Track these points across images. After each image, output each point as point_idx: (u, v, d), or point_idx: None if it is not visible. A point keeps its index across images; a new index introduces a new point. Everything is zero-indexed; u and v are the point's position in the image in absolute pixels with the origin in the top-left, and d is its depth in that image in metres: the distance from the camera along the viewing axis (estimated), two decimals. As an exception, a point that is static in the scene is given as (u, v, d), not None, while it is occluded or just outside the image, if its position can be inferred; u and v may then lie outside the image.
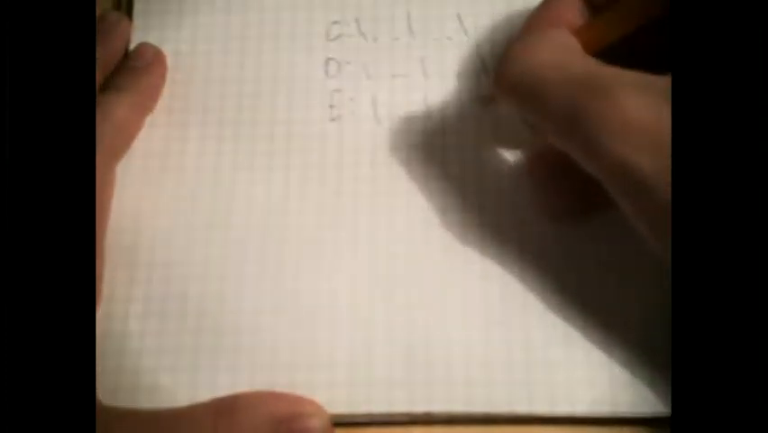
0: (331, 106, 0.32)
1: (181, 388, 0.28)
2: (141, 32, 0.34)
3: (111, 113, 0.30)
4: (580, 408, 0.27)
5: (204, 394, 0.27)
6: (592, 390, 0.27)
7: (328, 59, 0.33)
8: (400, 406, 0.27)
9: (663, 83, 0.22)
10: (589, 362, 0.27)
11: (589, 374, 0.27)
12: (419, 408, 0.27)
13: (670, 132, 0.21)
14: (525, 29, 0.28)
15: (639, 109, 0.22)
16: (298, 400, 0.27)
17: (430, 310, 0.28)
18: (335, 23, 0.34)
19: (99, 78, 0.32)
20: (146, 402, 0.27)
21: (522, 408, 0.27)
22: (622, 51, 0.26)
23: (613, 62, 0.24)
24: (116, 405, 0.27)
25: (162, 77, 0.33)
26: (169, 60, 0.33)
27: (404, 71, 0.32)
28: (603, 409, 0.27)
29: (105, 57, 0.32)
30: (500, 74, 0.25)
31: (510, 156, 0.30)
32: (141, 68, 0.32)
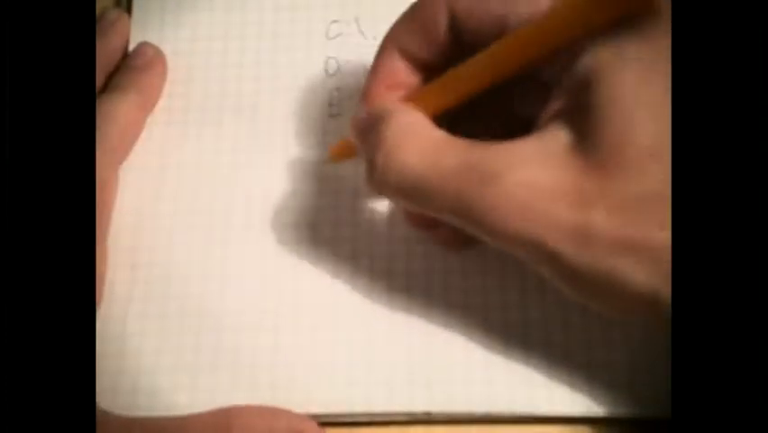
0: (330, 105, 0.32)
1: (181, 388, 0.28)
2: (141, 31, 0.34)
3: (114, 114, 0.30)
4: (580, 408, 0.27)
5: (203, 395, 0.27)
6: (592, 390, 0.27)
7: (328, 58, 0.33)
8: (400, 406, 0.27)
9: (532, 147, 0.22)
10: (588, 362, 0.27)
11: (588, 375, 0.27)
12: (419, 408, 0.27)
13: (559, 201, 0.21)
14: (364, 99, 0.27)
15: (524, 186, 0.22)
16: (297, 418, 0.27)
17: (430, 310, 0.28)
18: (335, 21, 0.34)
19: (99, 75, 0.32)
20: (145, 403, 0.27)
21: (522, 408, 0.27)
22: (474, 108, 0.26)
23: (466, 118, 0.25)
24: (115, 406, 0.27)
25: (162, 76, 0.33)
26: (169, 60, 0.33)
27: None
28: (603, 410, 0.26)
29: (104, 54, 0.32)
30: (378, 183, 0.24)
31: None
32: (141, 67, 0.32)
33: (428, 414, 0.27)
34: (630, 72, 0.22)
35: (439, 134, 0.24)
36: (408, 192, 0.24)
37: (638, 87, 0.21)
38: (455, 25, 0.25)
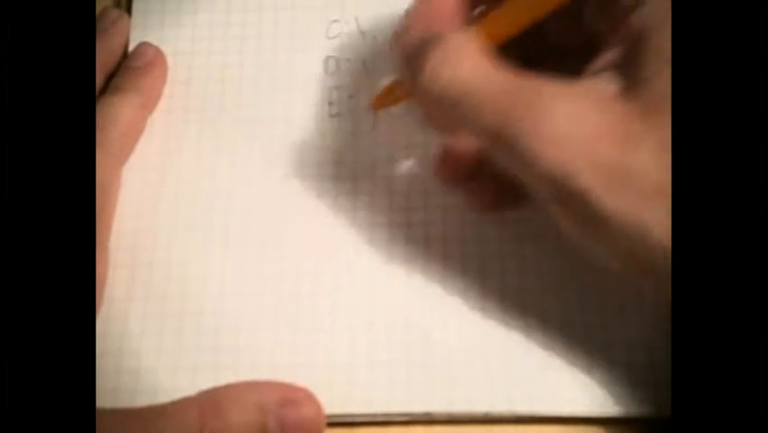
0: (330, 104, 0.32)
1: (181, 388, 0.27)
2: (141, 31, 0.34)
3: (116, 116, 0.30)
4: (581, 408, 0.27)
5: (203, 394, 0.27)
6: (592, 390, 0.27)
7: (328, 57, 0.33)
8: (400, 406, 0.27)
9: (583, 87, 0.23)
10: (589, 362, 0.27)
11: (589, 374, 0.27)
12: (419, 408, 0.27)
13: (601, 140, 0.21)
14: (403, 34, 0.26)
15: (568, 118, 0.22)
16: (287, 388, 0.26)
17: (430, 310, 0.28)
18: (335, 21, 0.34)
19: (99, 76, 0.32)
20: (146, 403, 0.27)
21: (522, 408, 0.27)
22: (531, 41, 0.26)
23: (523, 53, 0.24)
24: (116, 405, 0.27)
25: (163, 77, 0.33)
26: (169, 60, 0.33)
27: (403, 70, 0.32)
28: (603, 410, 0.26)
29: (104, 55, 0.32)
30: (424, 88, 0.24)
31: None
32: (141, 68, 0.32)
33: (428, 414, 0.27)
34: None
35: (486, 52, 0.24)
36: (453, 102, 0.24)
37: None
38: None
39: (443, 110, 0.24)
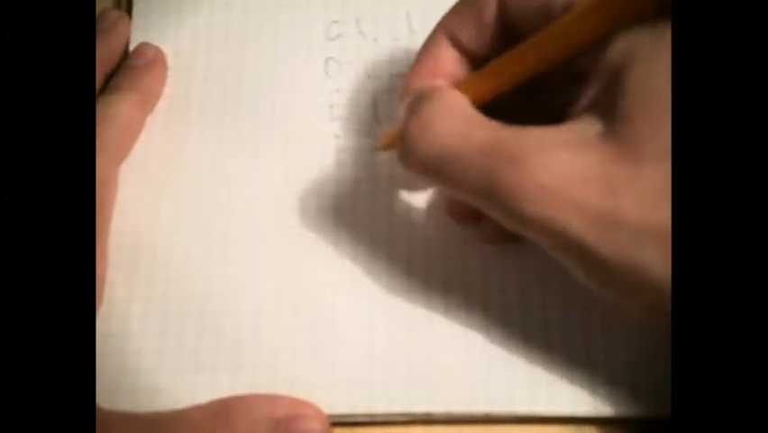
0: (330, 106, 0.32)
1: (182, 388, 0.28)
2: (142, 31, 0.34)
3: (114, 114, 0.30)
4: (581, 408, 0.27)
5: (204, 395, 0.27)
6: (592, 390, 0.27)
7: (328, 59, 0.33)
8: (400, 406, 0.27)
9: (563, 134, 0.22)
10: (588, 362, 0.27)
11: (589, 374, 0.27)
12: (419, 408, 0.27)
13: (585, 186, 0.21)
14: (408, 85, 0.27)
15: (549, 171, 0.22)
16: (297, 403, 0.27)
17: (430, 311, 0.28)
18: (335, 22, 0.34)
19: (99, 76, 0.32)
20: (147, 403, 0.27)
21: (522, 408, 0.27)
22: (514, 98, 0.25)
23: (505, 110, 0.24)
24: (116, 406, 0.27)
25: (163, 76, 0.33)
26: (169, 60, 0.33)
27: (404, 71, 0.32)
28: (603, 410, 0.26)
29: (104, 55, 0.32)
30: (405, 154, 0.24)
31: None
32: (141, 67, 0.32)
33: (428, 414, 0.27)
34: (662, 61, 0.21)
35: (474, 113, 0.24)
36: (437, 166, 0.24)
37: (669, 75, 0.21)
38: (503, 13, 0.26)
39: (429, 176, 0.24)
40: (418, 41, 0.33)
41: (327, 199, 0.31)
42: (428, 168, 0.24)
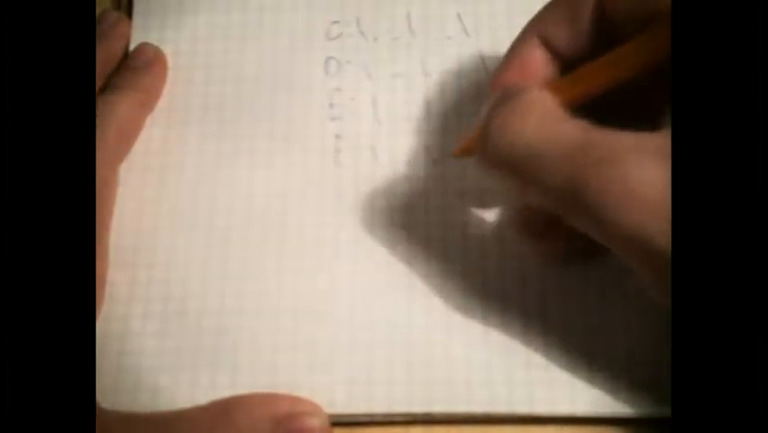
0: (331, 106, 0.32)
1: (182, 388, 0.28)
2: (142, 31, 0.34)
3: (113, 113, 0.30)
4: (581, 408, 0.27)
5: (204, 394, 0.27)
6: (592, 390, 0.27)
7: (328, 59, 0.33)
8: (400, 406, 0.27)
9: (659, 141, 0.21)
10: (589, 362, 0.27)
11: (588, 374, 0.27)
12: (419, 408, 0.27)
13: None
14: (495, 85, 0.26)
15: (642, 178, 0.21)
16: (297, 401, 0.27)
17: (430, 310, 0.28)
18: (335, 22, 0.34)
19: (99, 77, 0.32)
20: (147, 402, 0.27)
21: (522, 408, 0.27)
22: (603, 102, 0.24)
23: (594, 113, 0.23)
24: (117, 405, 0.27)
25: (163, 76, 0.33)
26: (169, 60, 0.33)
27: (404, 71, 0.32)
28: (603, 410, 0.26)
29: (104, 57, 0.32)
30: (485, 151, 0.23)
31: None
32: (141, 67, 0.32)
33: (428, 414, 0.27)
34: None
35: (563, 112, 0.23)
36: (518, 164, 0.23)
37: None
38: (600, 15, 0.25)
39: (509, 174, 0.23)
40: (418, 41, 0.33)
41: (327, 198, 0.31)
42: (510, 166, 0.23)
